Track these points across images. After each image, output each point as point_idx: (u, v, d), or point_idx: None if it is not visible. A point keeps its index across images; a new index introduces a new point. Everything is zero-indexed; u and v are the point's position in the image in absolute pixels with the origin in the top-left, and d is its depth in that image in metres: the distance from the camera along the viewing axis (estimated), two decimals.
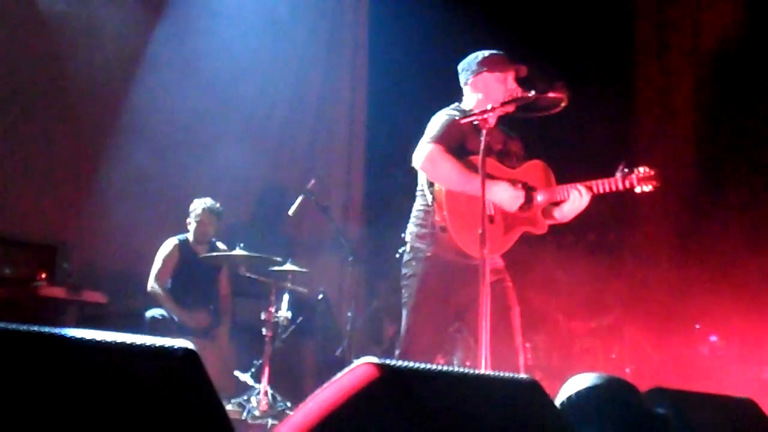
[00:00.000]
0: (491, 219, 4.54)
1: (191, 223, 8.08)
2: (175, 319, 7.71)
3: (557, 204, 5.21)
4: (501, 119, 5.32)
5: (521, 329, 5.13)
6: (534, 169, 5.29)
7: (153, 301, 7.85)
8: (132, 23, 8.94)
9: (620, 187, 5.03)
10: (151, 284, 7.90)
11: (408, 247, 5.20)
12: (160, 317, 7.65)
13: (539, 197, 5.18)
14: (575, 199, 5.08)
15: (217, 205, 8.12)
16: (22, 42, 8.34)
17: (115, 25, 8.76)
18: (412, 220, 5.22)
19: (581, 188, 5.06)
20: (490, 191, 4.58)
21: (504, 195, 4.96)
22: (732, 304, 8.39)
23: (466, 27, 9.19)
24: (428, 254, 5.07)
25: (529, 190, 5.14)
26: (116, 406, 1.95)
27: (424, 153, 4.95)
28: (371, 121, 10.62)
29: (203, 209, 8.04)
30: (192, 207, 8.08)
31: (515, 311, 5.10)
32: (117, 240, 8.47)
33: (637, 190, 5.01)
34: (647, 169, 5.02)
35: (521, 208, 5.08)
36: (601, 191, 5.06)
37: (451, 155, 4.93)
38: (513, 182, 5.03)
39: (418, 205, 5.22)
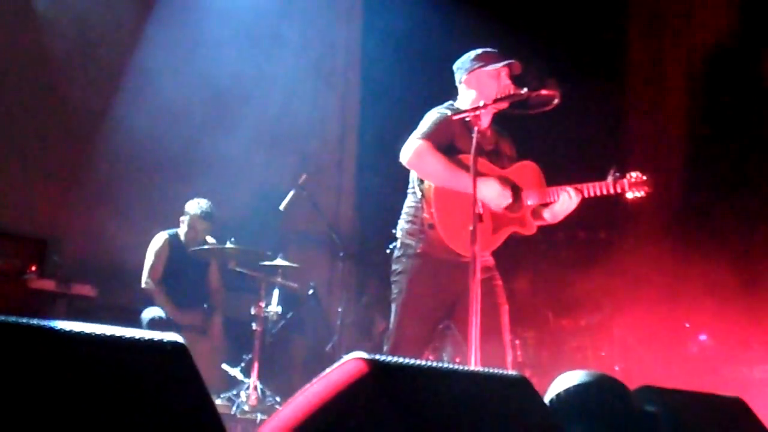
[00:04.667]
0: (480, 217, 4.52)
1: (183, 222, 8.05)
2: (166, 317, 7.66)
3: (546, 205, 5.21)
4: (495, 119, 5.33)
5: (510, 327, 5.14)
6: (525, 169, 5.28)
7: (147, 297, 7.82)
8: (125, 19, 8.93)
9: (611, 191, 5.03)
10: (145, 280, 7.87)
11: (398, 244, 5.21)
12: (158, 319, 7.58)
13: (529, 199, 5.17)
14: (564, 201, 5.08)
15: (210, 208, 8.03)
16: (13, 38, 8.32)
17: (108, 21, 8.75)
18: (403, 216, 5.23)
19: (571, 191, 5.05)
20: (478, 188, 4.57)
21: (491, 192, 4.96)
22: (722, 304, 8.40)
23: (459, 25, 9.21)
24: (417, 251, 5.08)
25: (518, 191, 5.13)
26: (105, 399, 1.94)
27: (412, 149, 4.95)
28: (363, 115, 10.61)
29: (194, 215, 7.99)
30: (186, 207, 8.02)
31: (504, 309, 5.11)
32: (107, 234, 8.46)
33: (629, 195, 5.01)
34: (639, 174, 5.02)
35: (510, 208, 5.08)
36: (592, 195, 5.06)
37: (440, 152, 4.93)
38: (503, 181, 5.03)
39: (409, 202, 5.23)
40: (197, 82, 8.98)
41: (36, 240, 7.99)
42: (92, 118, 8.75)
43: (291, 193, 7.85)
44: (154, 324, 7.49)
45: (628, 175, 5.00)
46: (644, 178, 5.00)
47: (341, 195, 10.51)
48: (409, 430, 2.23)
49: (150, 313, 7.61)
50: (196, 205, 7.99)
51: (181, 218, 8.04)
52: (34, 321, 1.93)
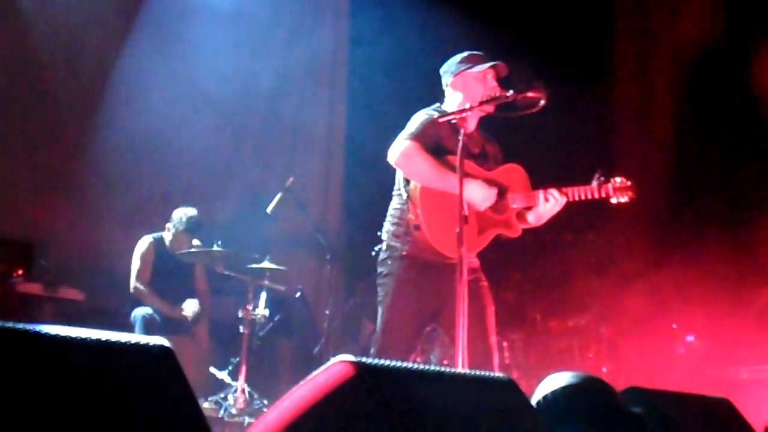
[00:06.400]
0: (465, 219, 4.53)
1: (169, 231, 8.00)
2: (158, 317, 7.64)
3: (530, 208, 5.21)
4: (482, 122, 5.34)
5: (496, 328, 5.14)
6: (511, 172, 5.29)
7: (137, 299, 7.79)
8: (110, 22, 8.90)
9: (596, 195, 5.05)
10: (134, 284, 7.83)
11: (384, 246, 5.21)
12: (149, 316, 7.57)
13: (514, 202, 5.18)
14: (549, 204, 5.09)
15: (197, 220, 7.95)
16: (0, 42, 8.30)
17: (94, 24, 8.73)
18: (389, 218, 5.23)
19: (556, 194, 5.07)
20: (463, 188, 4.58)
21: (476, 193, 4.95)
22: (709, 305, 8.42)
23: (446, 28, 9.21)
24: (403, 253, 5.07)
25: (503, 193, 5.14)
26: (91, 403, 1.94)
27: (400, 149, 4.97)
28: (350, 118, 10.60)
29: (179, 230, 7.94)
30: (173, 216, 7.97)
31: (490, 310, 5.11)
32: (94, 237, 8.44)
33: (613, 200, 5.04)
34: (624, 180, 5.04)
35: (495, 210, 5.09)
36: (576, 199, 5.08)
37: (427, 153, 4.94)
38: (488, 182, 5.04)
39: (394, 203, 5.23)
40: (184, 86, 8.95)
41: (23, 243, 7.96)
42: (79, 122, 8.73)
43: (278, 196, 7.81)
44: (148, 321, 7.48)
45: (612, 180, 5.03)
46: (628, 183, 5.03)
47: (328, 198, 10.49)
48: None
49: (142, 311, 7.59)
50: (183, 217, 7.92)
51: (167, 225, 7.99)
52: (21, 325, 1.92)
